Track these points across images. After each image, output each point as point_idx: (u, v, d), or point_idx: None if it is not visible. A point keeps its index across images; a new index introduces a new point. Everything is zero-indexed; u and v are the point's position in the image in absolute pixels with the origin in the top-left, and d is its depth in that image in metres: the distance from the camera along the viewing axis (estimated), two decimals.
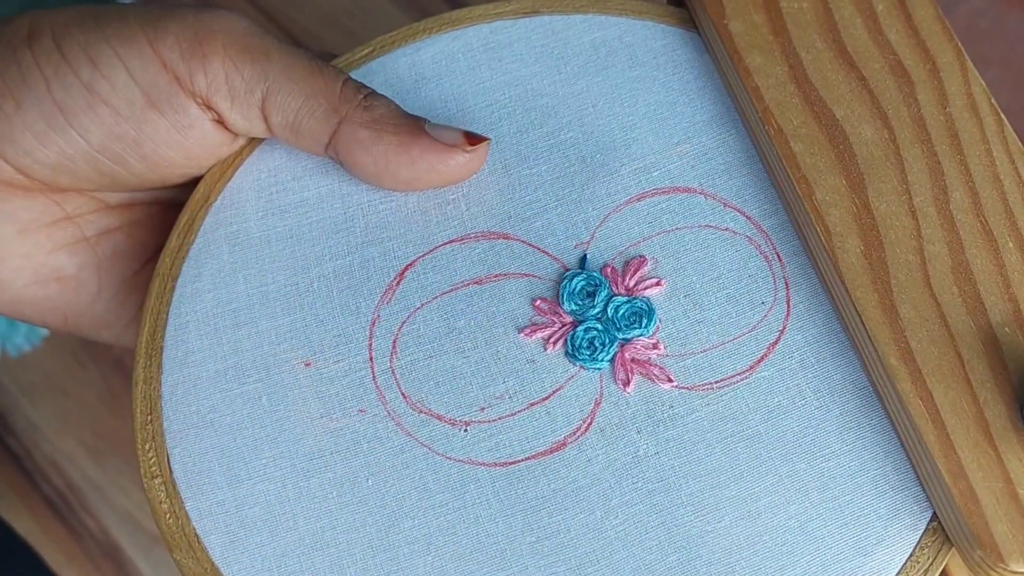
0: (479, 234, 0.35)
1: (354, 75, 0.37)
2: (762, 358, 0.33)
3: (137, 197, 0.38)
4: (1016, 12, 0.60)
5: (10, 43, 0.33)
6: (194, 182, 0.36)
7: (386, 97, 0.34)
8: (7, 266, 0.36)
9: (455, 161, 0.34)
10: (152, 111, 0.33)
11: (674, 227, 0.35)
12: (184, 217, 0.35)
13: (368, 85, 0.35)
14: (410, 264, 0.34)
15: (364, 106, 0.34)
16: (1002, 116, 0.35)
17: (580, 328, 0.33)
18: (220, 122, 0.34)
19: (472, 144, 0.34)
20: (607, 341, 0.33)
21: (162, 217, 0.38)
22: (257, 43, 0.33)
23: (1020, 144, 0.34)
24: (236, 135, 0.35)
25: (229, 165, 0.36)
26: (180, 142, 0.34)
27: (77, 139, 0.33)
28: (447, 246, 0.35)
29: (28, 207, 0.36)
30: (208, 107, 0.34)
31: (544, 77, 0.37)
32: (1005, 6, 0.60)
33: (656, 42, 0.37)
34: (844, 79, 0.35)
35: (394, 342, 0.33)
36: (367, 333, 0.34)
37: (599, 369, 0.33)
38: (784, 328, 0.33)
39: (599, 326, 0.33)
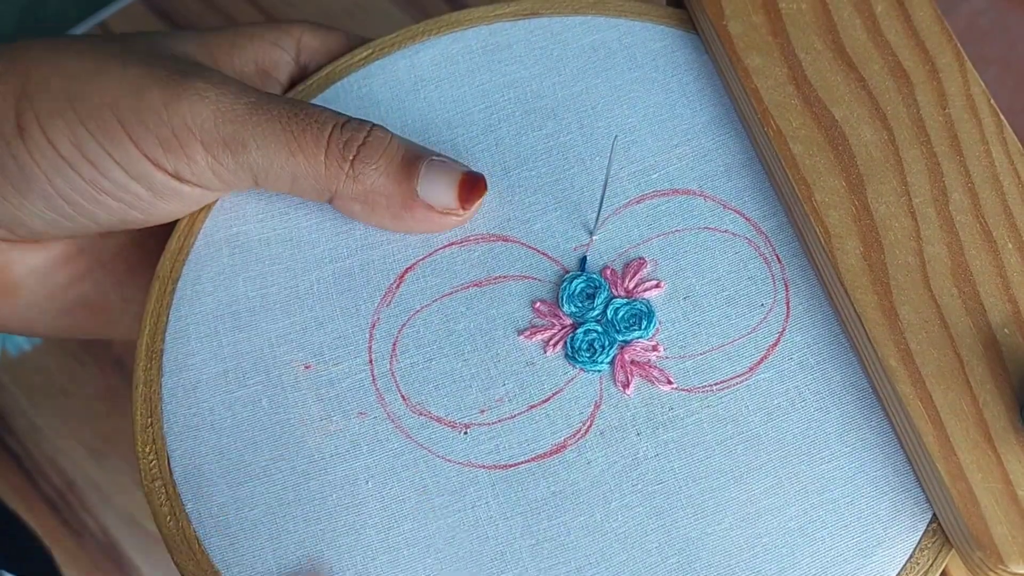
0: (479, 236, 0.35)
1: (353, 77, 0.37)
2: (762, 360, 0.33)
3: None
4: (1016, 12, 0.60)
5: (1, 135, 0.33)
6: None
7: (376, 145, 0.33)
8: (34, 310, 0.37)
9: (447, 224, 0.34)
10: (159, 201, 0.34)
11: (673, 229, 0.35)
12: (184, 220, 0.35)
13: (355, 119, 0.33)
14: (410, 267, 0.34)
15: (352, 177, 0.33)
16: (1001, 117, 0.35)
17: (580, 330, 0.33)
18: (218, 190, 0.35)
19: (466, 203, 0.34)
20: (607, 343, 0.33)
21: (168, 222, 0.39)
22: (232, 131, 0.32)
23: (1020, 145, 0.34)
24: None
25: None
26: (185, 211, 0.35)
27: (88, 223, 0.34)
28: (447, 249, 0.35)
29: (44, 255, 0.37)
30: (205, 187, 0.34)
31: (544, 79, 0.37)
32: (1005, 6, 0.60)
33: (655, 43, 0.37)
34: (843, 80, 0.35)
35: (394, 345, 0.33)
36: (367, 336, 0.34)
37: (599, 371, 0.33)
38: (784, 330, 0.33)
39: (599, 328, 0.33)
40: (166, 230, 0.37)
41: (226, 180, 0.33)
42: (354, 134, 0.33)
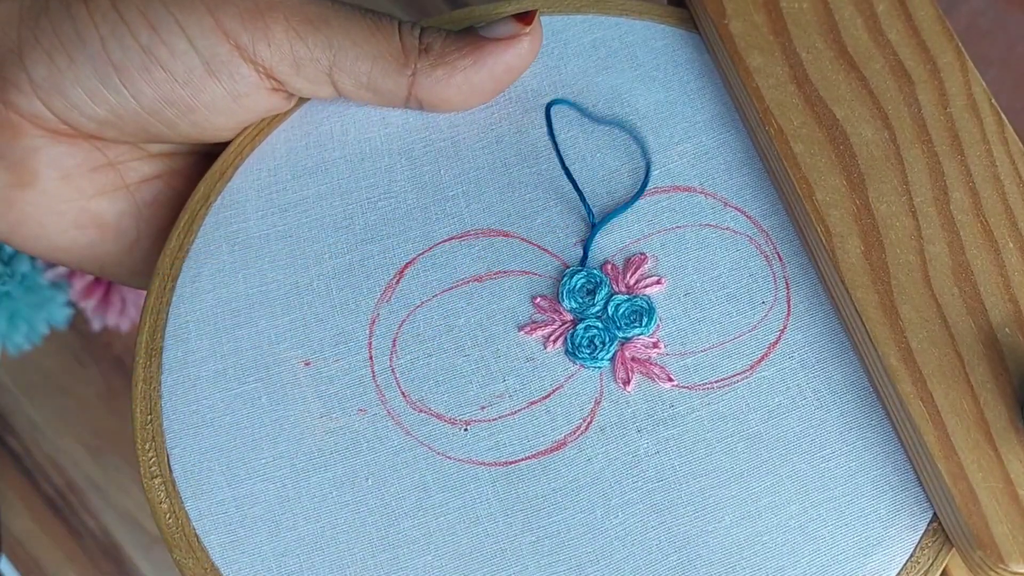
0: (479, 231, 0.35)
1: None
2: (762, 358, 0.33)
3: (178, 147, 0.38)
4: (1016, 12, 0.60)
5: None
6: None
7: (431, 27, 0.35)
8: (49, 211, 0.37)
9: (523, 48, 0.35)
10: (210, 80, 0.34)
11: (674, 226, 0.35)
12: (184, 217, 0.35)
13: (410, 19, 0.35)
14: (410, 262, 0.34)
15: (424, 49, 0.34)
16: (1002, 116, 0.35)
17: (580, 326, 0.33)
18: (276, 89, 0.35)
19: (526, 23, 0.35)
20: (607, 340, 0.33)
21: (200, 167, 0.39)
22: (316, 10, 0.34)
23: (1020, 144, 0.34)
24: (290, 98, 0.36)
25: (229, 164, 0.36)
26: (233, 110, 0.35)
27: (129, 99, 0.34)
28: (447, 243, 0.35)
29: (71, 153, 0.36)
30: (269, 76, 0.34)
31: (544, 77, 0.37)
32: (1005, 6, 0.60)
33: (656, 42, 0.37)
34: (845, 79, 0.35)
35: (394, 341, 0.33)
36: (367, 332, 0.34)
37: (599, 368, 0.33)
38: (784, 328, 0.33)
39: (599, 324, 0.33)
40: (193, 171, 0.37)
41: (302, 62, 0.34)
42: (414, 23, 0.35)
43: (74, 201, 0.37)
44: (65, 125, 0.35)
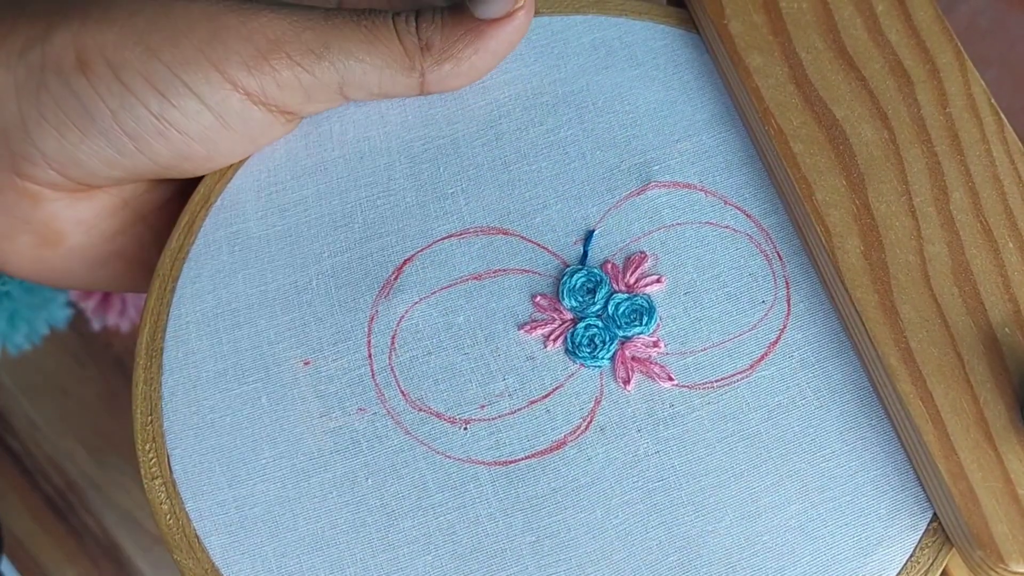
0: (478, 229, 0.35)
1: None
2: (762, 357, 0.33)
3: None
4: (1016, 12, 0.60)
5: (59, 71, 0.32)
6: None
7: (427, 14, 0.35)
8: (74, 260, 0.37)
9: (520, 21, 0.34)
10: (226, 131, 0.34)
11: (674, 223, 0.35)
12: (184, 218, 0.35)
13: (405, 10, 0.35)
14: (408, 259, 0.34)
15: (425, 46, 0.34)
16: (1002, 116, 0.35)
17: (580, 325, 0.33)
18: (290, 120, 0.35)
19: None
20: (607, 339, 0.33)
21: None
22: (313, 36, 0.33)
23: (1020, 144, 0.34)
24: (302, 118, 0.36)
25: (229, 166, 0.36)
26: (250, 148, 0.35)
27: (147, 162, 0.34)
28: (446, 240, 0.35)
29: (91, 206, 0.37)
30: (282, 112, 0.34)
31: (544, 76, 0.37)
32: (1005, 6, 0.60)
33: (656, 42, 0.37)
34: (844, 79, 0.35)
35: (392, 338, 0.33)
36: (365, 330, 0.34)
37: (599, 367, 0.33)
38: (784, 327, 0.33)
39: (599, 323, 0.33)
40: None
41: (312, 92, 0.34)
42: (407, 15, 0.35)
43: (97, 245, 0.37)
44: (83, 186, 0.35)
